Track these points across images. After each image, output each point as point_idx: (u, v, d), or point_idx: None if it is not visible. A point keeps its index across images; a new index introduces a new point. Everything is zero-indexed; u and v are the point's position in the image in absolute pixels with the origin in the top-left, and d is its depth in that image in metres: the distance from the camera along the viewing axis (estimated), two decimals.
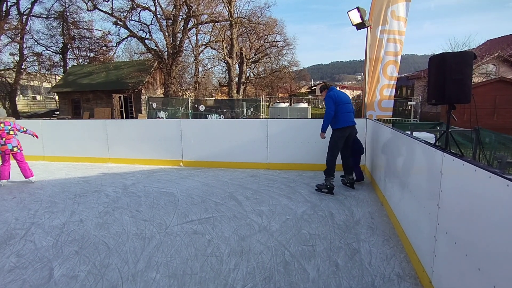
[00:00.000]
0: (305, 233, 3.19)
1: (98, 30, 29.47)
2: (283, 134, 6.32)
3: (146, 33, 23.21)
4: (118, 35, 24.55)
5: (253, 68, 37.06)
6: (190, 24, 22.59)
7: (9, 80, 24.34)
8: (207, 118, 17.52)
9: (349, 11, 6.11)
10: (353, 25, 6.13)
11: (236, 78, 25.41)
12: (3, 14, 20.78)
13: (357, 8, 5.93)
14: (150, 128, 7.11)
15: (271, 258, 2.70)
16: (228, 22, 22.66)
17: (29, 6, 23.32)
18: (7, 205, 4.21)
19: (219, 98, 30.47)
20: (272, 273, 2.46)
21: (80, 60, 29.77)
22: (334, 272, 2.45)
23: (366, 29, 6.24)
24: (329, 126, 4.59)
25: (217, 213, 3.84)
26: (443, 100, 3.69)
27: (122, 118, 21.56)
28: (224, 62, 26.46)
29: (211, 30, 26.11)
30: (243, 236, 3.15)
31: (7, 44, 22.51)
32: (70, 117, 23.34)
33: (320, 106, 38.38)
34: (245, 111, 20.11)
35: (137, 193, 4.73)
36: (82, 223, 3.56)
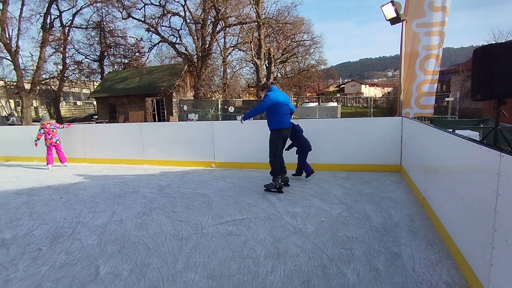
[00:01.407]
0: (342, 236, 3.10)
1: (132, 37, 30.93)
2: (314, 134, 6.20)
3: (177, 38, 23.90)
4: (150, 41, 25.53)
5: (281, 68, 36.91)
6: (218, 27, 22.95)
7: (53, 87, 26.14)
8: (236, 119, 17.68)
9: (382, 5, 5.87)
10: (387, 20, 5.88)
11: (264, 79, 25.42)
12: (48, 27, 22.30)
13: (392, 2, 5.68)
14: (182, 130, 7.29)
15: (308, 261, 2.64)
16: (256, 23, 22.74)
17: (71, 18, 24.86)
18: (55, 205, 4.49)
19: (247, 99, 30.69)
20: (311, 277, 2.40)
21: (116, 67, 31.30)
22: (375, 278, 2.35)
23: (401, 23, 5.97)
24: (268, 126, 4.74)
25: (251, 214, 3.84)
26: (490, 95, 3.43)
27: (154, 121, 22.35)
28: (252, 63, 26.60)
29: (238, 32, 26.37)
30: (278, 238, 3.12)
31: (51, 55, 24.15)
32: (107, 120, 24.59)
33: (349, 105, 37.45)
34: None
35: (172, 194, 4.86)
36: (123, 223, 3.70)
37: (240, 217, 3.74)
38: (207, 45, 22.27)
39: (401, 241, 2.94)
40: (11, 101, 35.50)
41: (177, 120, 21.88)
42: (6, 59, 21.87)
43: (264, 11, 25.14)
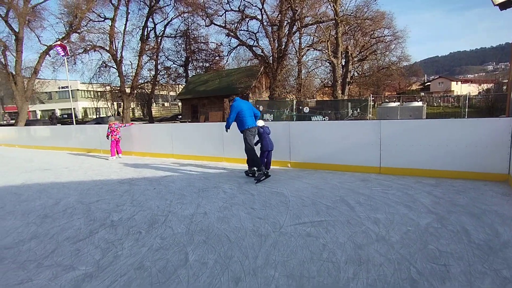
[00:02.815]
0: (433, 249, 2.80)
1: (212, 42, 33.07)
2: (398, 136, 5.76)
3: (254, 41, 24.76)
4: (229, 45, 27.03)
5: (358, 67, 35.09)
6: (295, 28, 22.99)
7: (147, 91, 29.69)
8: (311, 120, 17.47)
9: None
10: (495, 5, 5.11)
11: (341, 78, 24.51)
12: (145, 38, 25.39)
13: None
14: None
15: (394, 272, 2.47)
16: (333, 21, 22.09)
17: (163, 29, 27.89)
18: (150, 195, 5.09)
19: (320, 99, 30.01)
20: None
21: (198, 70, 33.94)
22: None
23: None
24: (239, 129, 5.92)
25: (329, 217, 3.75)
26: None
27: None
28: (328, 62, 25.94)
29: (314, 31, 25.98)
30: (360, 244, 2.98)
31: (146, 62, 27.53)
32: (189, 120, 26.84)
33: (435, 104, 33.56)
34: (350, 112, 19.24)
35: (250, 191, 5.05)
36: (206, 215, 4.00)
37: (318, 219, 3.69)
38: (283, 46, 22.50)
39: None
40: (115, 103, 41.40)
41: None
42: (113, 67, 25.65)
43: (342, 8, 24.26)
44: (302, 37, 27.58)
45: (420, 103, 21.27)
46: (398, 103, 23.66)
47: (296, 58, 26.35)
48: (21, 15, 19.44)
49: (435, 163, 5.45)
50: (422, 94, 44.87)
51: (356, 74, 35.22)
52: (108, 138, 9.28)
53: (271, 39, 23.93)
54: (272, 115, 20.11)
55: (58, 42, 16.49)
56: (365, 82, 35.44)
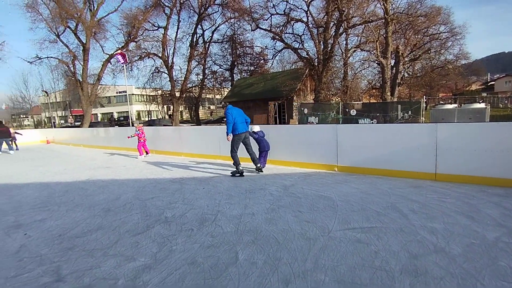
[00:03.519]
0: (504, 266, 2.55)
1: (257, 46, 33.51)
2: (457, 141, 5.33)
3: (299, 43, 24.63)
4: (274, 48, 27.13)
5: (408, 67, 33.02)
6: (341, 29, 22.42)
7: (194, 94, 31.01)
8: (358, 123, 16.87)
9: None
10: None
11: (390, 80, 23.33)
12: (194, 44, 26.61)
13: None
14: (306, 132, 7.45)
15: None
16: (383, 20, 21.14)
17: (210, 35, 29.02)
18: (200, 194, 5.32)
19: (367, 101, 28.82)
20: None
21: (243, 74, 34.63)
22: None
23: None
24: (231, 133, 6.46)
25: (380, 223, 3.60)
26: None
27: (275, 123, 23.60)
28: (376, 63, 24.87)
29: (361, 31, 25.07)
30: (415, 254, 2.82)
31: (195, 67, 28.80)
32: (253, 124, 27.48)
33: (501, 106, 30.32)
34: (400, 115, 18.21)
35: (297, 194, 5.03)
36: (254, 216, 4.07)
37: (368, 225, 3.55)
38: (329, 48, 22.07)
39: None
40: (165, 106, 43.86)
41: (297, 123, 22.48)
42: (164, 73, 27.24)
43: (393, 6, 23.08)
44: (348, 38, 26.81)
45: (482, 105, 19.46)
46: (455, 105, 21.86)
47: (342, 60, 25.64)
48: (88, 28, 21.57)
49: (504, 171, 4.94)
50: (484, 94, 40.92)
51: (406, 74, 33.23)
52: (130, 137, 10.72)
53: (317, 41, 23.60)
54: (317, 118, 19.78)
55: (119, 51, 17.99)
56: (416, 83, 33.26)
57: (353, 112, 18.38)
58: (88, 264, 2.94)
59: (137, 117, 53.11)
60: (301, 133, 7.55)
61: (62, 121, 50.31)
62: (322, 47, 22.74)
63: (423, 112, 18.02)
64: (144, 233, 3.66)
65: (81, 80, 22.84)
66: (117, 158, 10.74)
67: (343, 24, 22.06)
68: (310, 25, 24.01)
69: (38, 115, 54.71)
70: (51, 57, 23.46)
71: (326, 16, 22.52)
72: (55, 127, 36.26)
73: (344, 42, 26.95)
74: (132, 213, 4.45)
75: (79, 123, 31.89)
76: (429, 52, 29.73)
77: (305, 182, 5.87)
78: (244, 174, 6.68)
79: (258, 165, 6.83)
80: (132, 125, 14.48)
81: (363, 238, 3.22)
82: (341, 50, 26.50)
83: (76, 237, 3.66)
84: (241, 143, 6.66)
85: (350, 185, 5.48)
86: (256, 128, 7.40)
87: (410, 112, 17.89)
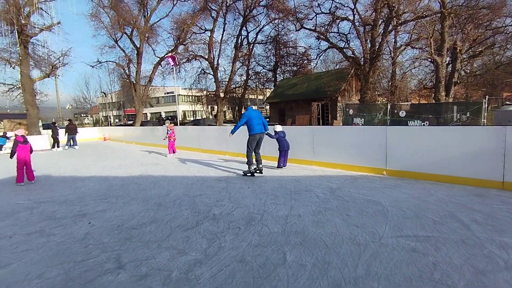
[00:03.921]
0: None
1: (300, 46, 33.16)
2: None
3: (344, 42, 23.90)
4: (318, 48, 26.62)
5: (466, 65, 30.30)
6: (390, 27, 21.32)
7: (238, 95, 31.60)
8: (407, 125, 15.94)
9: None
10: None
11: (446, 79, 21.67)
12: (238, 45, 27.14)
13: None
14: (352, 134, 7.22)
15: None
16: (438, 15, 19.72)
17: (254, 36, 29.38)
18: (245, 193, 5.40)
19: (416, 102, 27.06)
20: None
21: (286, 74, 34.51)
22: None
23: None
24: (248, 132, 6.82)
25: (437, 233, 3.36)
26: None
27: (318, 124, 23.17)
28: (430, 61, 23.29)
29: (412, 28, 23.57)
30: (482, 270, 2.58)
31: (239, 68, 29.32)
32: (277, 123, 27.46)
33: None
34: (456, 116, 16.82)
35: (344, 197, 4.89)
36: (301, 218, 4.03)
37: (424, 234, 3.34)
38: (376, 47, 21.12)
39: None
40: (209, 106, 45.28)
41: (341, 124, 21.84)
42: (210, 74, 28.13)
43: None
44: (398, 36, 25.38)
45: None
46: None
47: (391, 58, 24.33)
48: (142, 33, 23.07)
49: None
50: None
51: (463, 73, 30.55)
52: (165, 138, 11.14)
53: (363, 39, 22.70)
54: (362, 119, 19.01)
55: (169, 54, 18.95)
56: (475, 82, 30.43)
57: (402, 114, 17.37)
58: (145, 255, 3.14)
59: (182, 117, 55.54)
60: (346, 134, 7.34)
61: (117, 120, 54.32)
62: (369, 45, 21.82)
63: (485, 114, 16.44)
64: (194, 228, 3.81)
65: (134, 81, 24.50)
66: (165, 155, 11.30)
67: (392, 21, 20.96)
68: (357, 24, 23.16)
69: (96, 114, 59.65)
70: (110, 61, 25.54)
71: (374, 14, 21.59)
72: (110, 125, 39.30)
73: (393, 40, 25.58)
74: (181, 208, 4.66)
75: (131, 122, 34.17)
76: (493, 47, 27.04)
77: (352, 185, 5.68)
78: (255, 175, 6.93)
79: (260, 166, 7.06)
80: (164, 124, 15.03)
81: (419, 247, 3.03)
82: (389, 48, 25.18)
83: (132, 228, 3.92)
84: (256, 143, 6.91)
85: (401, 190, 5.19)
86: (278, 128, 7.69)
87: (468, 113, 16.45)
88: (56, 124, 16.81)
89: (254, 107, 7.19)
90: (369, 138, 6.80)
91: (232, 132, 7.00)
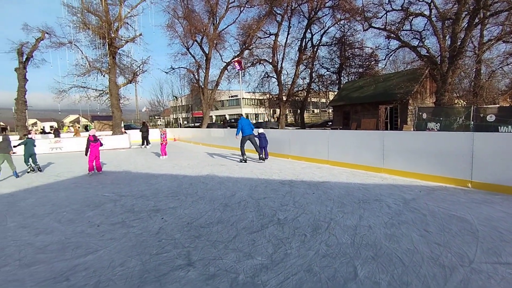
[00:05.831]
0: None
1: (367, 47, 31.41)
2: None
3: (418, 40, 21.98)
4: (388, 48, 24.92)
5: None
6: (477, 19, 18.91)
7: (300, 98, 31.31)
8: (497, 131, 13.95)
9: None
10: None
11: None
12: (302, 48, 26.92)
13: None
14: (430, 140, 6.53)
15: None
16: None
17: (319, 38, 28.83)
18: (310, 198, 5.25)
19: (505, 105, 23.46)
20: None
21: (351, 77, 33.08)
22: None
23: None
24: (241, 134, 9.75)
25: None
26: None
27: (386, 129, 21.66)
28: None
29: (504, 19, 20.55)
30: None
31: (302, 71, 29.03)
32: (340, 127, 26.42)
33: None
34: None
35: (421, 210, 4.42)
36: (371, 229, 3.75)
37: None
38: (458, 43, 18.93)
39: None
40: (271, 109, 45.75)
41: (412, 129, 20.07)
42: (273, 77, 28.44)
43: None
44: (485, 29, 22.38)
45: None
46: None
47: (475, 55, 21.57)
48: (211, 40, 24.41)
49: None
50: None
51: None
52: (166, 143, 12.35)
53: (441, 36, 20.53)
54: (438, 123, 17.17)
55: (236, 59, 19.64)
56: None
57: (490, 118, 15.20)
58: (212, 255, 3.22)
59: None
60: (421, 141, 6.65)
61: (185, 122, 58.25)
62: (449, 42, 19.65)
63: None
64: (259, 232, 3.81)
65: (203, 86, 26.04)
66: (230, 156, 11.67)
67: (479, 13, 18.58)
68: (434, 19, 21.07)
69: (167, 116, 64.79)
70: (181, 67, 27.76)
71: (456, 5, 19.40)
72: (180, 127, 42.29)
73: (478, 34, 22.63)
74: (246, 210, 4.72)
75: (199, 124, 36.26)
76: None
77: (429, 197, 5.12)
78: (247, 161, 9.89)
79: (261, 155, 9.92)
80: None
81: None
82: (473, 44, 22.37)
83: (201, 227, 4.09)
84: (247, 141, 9.77)
85: (494, 207, 4.50)
86: (260, 130, 10.47)
87: None
88: (146, 123, 19.14)
89: (244, 115, 8.23)
90: (450, 145, 6.07)
91: (236, 134, 9.98)
